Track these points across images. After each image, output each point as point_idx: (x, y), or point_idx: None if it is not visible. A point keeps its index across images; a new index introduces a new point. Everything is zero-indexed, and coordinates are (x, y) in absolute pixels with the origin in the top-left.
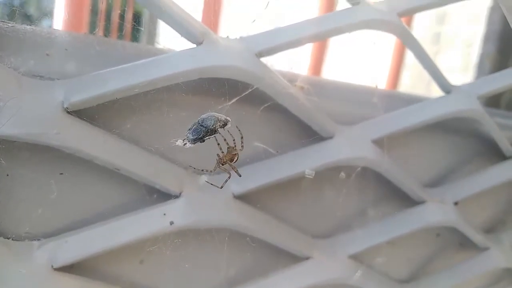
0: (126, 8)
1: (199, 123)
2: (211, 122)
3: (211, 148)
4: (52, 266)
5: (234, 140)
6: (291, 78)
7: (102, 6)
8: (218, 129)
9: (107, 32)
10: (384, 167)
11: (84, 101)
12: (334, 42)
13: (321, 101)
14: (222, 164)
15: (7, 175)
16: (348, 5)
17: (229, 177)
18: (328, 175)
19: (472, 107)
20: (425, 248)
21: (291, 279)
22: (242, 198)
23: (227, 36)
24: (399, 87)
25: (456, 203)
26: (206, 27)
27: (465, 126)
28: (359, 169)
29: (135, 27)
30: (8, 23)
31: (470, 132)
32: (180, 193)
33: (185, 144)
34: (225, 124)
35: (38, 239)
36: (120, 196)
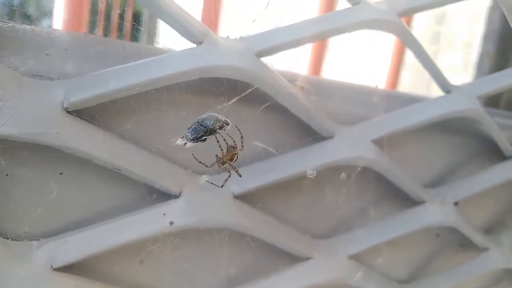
0: (126, 8)
1: (198, 123)
2: (210, 122)
3: (211, 147)
4: (51, 266)
5: (234, 141)
6: (291, 78)
7: (102, 5)
8: (218, 129)
9: (107, 31)
10: (384, 167)
11: (84, 100)
12: (334, 42)
13: (321, 101)
14: (222, 164)
15: (7, 174)
16: (348, 5)
17: (229, 176)
18: (328, 175)
19: (472, 107)
20: (425, 249)
21: (291, 280)
22: (242, 198)
23: (227, 36)
24: (399, 87)
25: (456, 204)
26: (206, 27)
27: (465, 126)
28: (359, 169)
29: (135, 27)
30: (8, 22)
31: (470, 132)
32: (180, 193)
33: (185, 143)
34: (224, 125)
35: (38, 239)
36: (120, 196)
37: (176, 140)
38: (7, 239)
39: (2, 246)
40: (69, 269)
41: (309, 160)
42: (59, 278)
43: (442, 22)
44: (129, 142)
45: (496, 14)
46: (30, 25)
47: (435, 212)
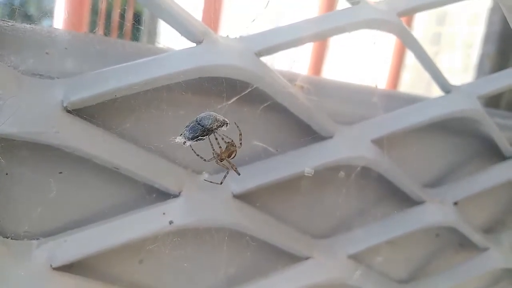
0: (126, 7)
1: (196, 121)
2: (208, 121)
3: (210, 145)
4: (51, 266)
5: (231, 139)
6: (291, 78)
7: (102, 5)
8: (216, 129)
9: (107, 31)
10: (383, 167)
11: (83, 100)
12: (334, 42)
13: (321, 100)
14: (220, 160)
15: (6, 174)
16: (348, 5)
17: (227, 173)
18: (327, 175)
19: (472, 107)
20: (424, 248)
21: (290, 279)
22: (242, 197)
23: (227, 35)
24: (399, 87)
25: (455, 203)
26: (206, 26)
27: (465, 126)
28: (358, 169)
29: (135, 26)
30: (8, 22)
31: (469, 132)
32: (179, 193)
33: (185, 142)
34: (223, 125)
35: (37, 238)
36: (120, 195)
37: (175, 138)
38: (7, 238)
39: (2, 245)
40: (68, 268)
41: (308, 160)
42: (59, 278)
43: (442, 22)
44: (128, 141)
45: (497, 15)
46: (30, 24)
47: (435, 212)
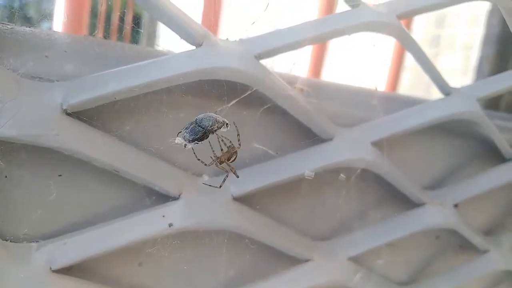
0: (125, 10)
1: (196, 123)
2: (209, 123)
3: (210, 147)
4: (50, 268)
5: (230, 141)
6: (291, 80)
7: (102, 8)
8: (216, 130)
9: (106, 34)
10: (383, 169)
11: (83, 102)
12: (334, 45)
13: (320, 103)
14: (220, 163)
15: (6, 176)
16: (347, 7)
17: (227, 176)
18: (327, 177)
19: (471, 109)
20: (424, 251)
21: (290, 282)
22: (242, 200)
23: (227, 38)
24: (399, 89)
25: (455, 205)
26: (206, 29)
27: (465, 129)
28: (358, 171)
29: (135, 29)
30: (8, 24)
31: (469, 134)
32: (179, 195)
33: (186, 145)
34: (222, 126)
35: (37, 241)
36: (119, 198)
37: (175, 139)
38: (6, 240)
39: (1, 248)
40: (68, 271)
41: (308, 162)
42: (58, 280)
43: (442, 25)
44: (128, 144)
45: (496, 18)
46: (29, 27)
47: (435, 214)
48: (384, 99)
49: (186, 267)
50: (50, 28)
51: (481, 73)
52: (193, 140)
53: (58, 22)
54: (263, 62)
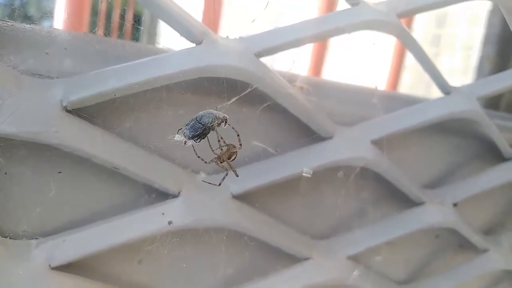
0: (126, 8)
1: (196, 120)
2: (209, 120)
3: (210, 144)
4: (49, 265)
5: (228, 144)
6: (291, 78)
7: (102, 5)
8: (216, 126)
9: (107, 31)
10: (383, 168)
11: (83, 99)
12: (334, 43)
13: (320, 101)
14: (221, 162)
15: (5, 173)
16: (347, 6)
17: (226, 174)
18: (327, 175)
19: (471, 108)
20: (424, 250)
21: (289, 280)
22: (241, 198)
23: (227, 36)
24: (399, 88)
25: (455, 205)
26: (206, 27)
27: (465, 128)
28: (358, 169)
29: (135, 27)
30: (8, 22)
31: (469, 133)
32: (178, 193)
33: (185, 142)
34: (223, 122)
35: (36, 238)
36: (119, 195)
37: (174, 136)
38: (5, 237)
39: (0, 245)
40: (67, 268)
41: (308, 161)
42: (57, 277)
43: (442, 24)
44: (128, 141)
45: (497, 17)
46: (30, 24)
47: (435, 213)
48: (384, 97)
49: (185, 265)
50: (50, 26)
51: (481, 72)
52: (193, 137)
53: (59, 20)
54: (263, 60)
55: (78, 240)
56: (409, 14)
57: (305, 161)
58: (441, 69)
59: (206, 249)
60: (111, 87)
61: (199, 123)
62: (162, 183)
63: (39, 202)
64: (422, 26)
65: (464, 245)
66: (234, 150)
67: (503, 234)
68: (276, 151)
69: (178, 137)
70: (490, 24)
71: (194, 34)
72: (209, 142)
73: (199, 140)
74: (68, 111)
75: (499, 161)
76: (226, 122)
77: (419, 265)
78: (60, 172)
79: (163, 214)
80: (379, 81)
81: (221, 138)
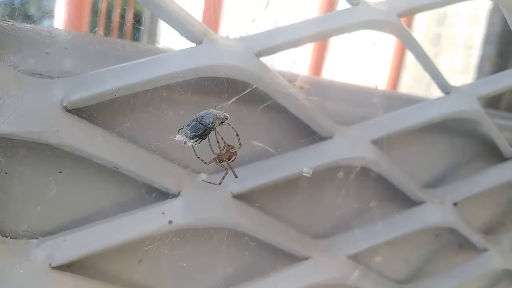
0: (126, 8)
1: (197, 120)
2: (209, 120)
3: (211, 145)
4: (50, 265)
5: (231, 144)
6: (291, 78)
7: (103, 5)
8: (217, 126)
9: (107, 31)
10: (383, 168)
11: (83, 99)
12: (335, 43)
13: (320, 101)
14: (220, 162)
15: (6, 173)
16: (348, 5)
17: (226, 173)
18: (327, 175)
19: (472, 108)
20: (424, 249)
21: (290, 279)
22: (241, 197)
23: (227, 36)
24: (399, 88)
25: (455, 204)
26: (206, 26)
27: (465, 127)
28: (358, 169)
29: (136, 27)
30: (8, 21)
31: (469, 133)
32: (179, 192)
33: (186, 142)
34: (223, 122)
35: (37, 238)
36: (119, 194)
37: (175, 136)
38: (6, 237)
39: (1, 244)
40: (67, 267)
41: (308, 160)
42: (58, 277)
43: (442, 23)
44: (128, 141)
45: (497, 16)
46: (30, 24)
47: (435, 212)
48: (384, 97)
49: (185, 264)
50: (51, 25)
51: (481, 72)
52: (193, 137)
53: (59, 19)
54: (263, 59)
55: (79, 239)
56: (409, 14)
57: (305, 161)
58: (441, 69)
59: (206, 248)
60: (111, 87)
61: (200, 123)
62: (162, 183)
63: (39, 202)
64: (423, 25)
65: (464, 245)
66: (234, 151)
67: (503, 233)
68: (276, 150)
69: (179, 137)
70: (490, 24)
71: (194, 33)
72: (209, 142)
73: (199, 140)
74: (68, 111)
75: (499, 160)
76: (227, 120)
77: (419, 264)
78: (60, 172)
79: (163, 213)
80: (379, 81)
81: (221, 138)
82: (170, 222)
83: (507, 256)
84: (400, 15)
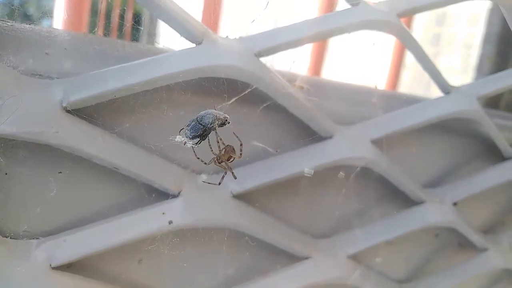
0: (126, 8)
1: (197, 121)
2: (209, 120)
3: (211, 145)
4: (50, 265)
5: (231, 146)
6: (291, 78)
7: (102, 5)
8: (217, 127)
9: (106, 31)
10: (383, 167)
11: (83, 100)
12: (334, 43)
13: (320, 101)
14: (219, 162)
15: (6, 173)
16: (347, 6)
17: (225, 173)
18: (327, 175)
19: (471, 108)
20: (424, 249)
21: (290, 279)
22: (241, 197)
23: (227, 36)
24: (399, 88)
25: (455, 204)
26: (206, 27)
27: (465, 127)
28: (358, 169)
29: (135, 27)
30: (8, 22)
31: (469, 132)
32: (179, 193)
33: (185, 143)
34: (223, 122)
35: (37, 238)
36: (119, 195)
37: (175, 137)
38: (6, 237)
39: (1, 245)
40: (67, 268)
41: (308, 160)
42: (58, 277)
43: (442, 23)
44: (128, 141)
45: (496, 16)
46: (29, 24)
47: (434, 212)
48: (384, 97)
49: (185, 264)
50: (50, 26)
51: (481, 72)
52: (193, 138)
53: (58, 20)
54: (263, 60)
55: (79, 240)
56: (409, 14)
57: (305, 161)
58: (440, 69)
59: (206, 248)
60: (111, 87)
61: (200, 123)
62: (162, 183)
63: (39, 202)
64: (422, 25)
65: (463, 244)
66: (234, 156)
67: (503, 233)
68: (276, 150)
69: (179, 138)
70: (490, 23)
71: (194, 34)
72: (209, 142)
73: (199, 141)
74: (68, 111)
75: (499, 160)
76: (227, 122)
77: (419, 264)
78: (60, 172)
79: (163, 213)
80: (378, 81)
81: (220, 139)
82: (170, 222)
83: (506, 256)
84: (400, 15)
